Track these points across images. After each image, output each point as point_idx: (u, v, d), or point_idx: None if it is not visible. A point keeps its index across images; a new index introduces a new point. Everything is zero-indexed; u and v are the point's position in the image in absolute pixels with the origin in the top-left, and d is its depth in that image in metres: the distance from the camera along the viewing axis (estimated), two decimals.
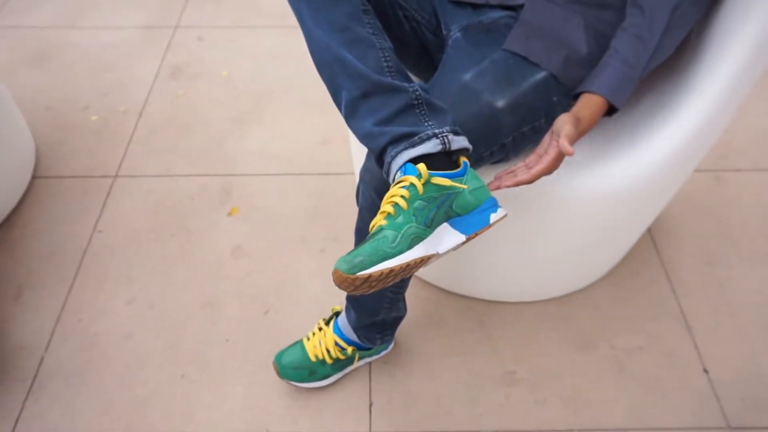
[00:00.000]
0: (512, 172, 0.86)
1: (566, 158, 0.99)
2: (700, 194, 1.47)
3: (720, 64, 0.92)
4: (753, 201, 1.45)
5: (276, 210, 1.45)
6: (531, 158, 0.85)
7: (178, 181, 1.52)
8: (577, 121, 0.85)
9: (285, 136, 1.63)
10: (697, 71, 0.96)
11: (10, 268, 1.32)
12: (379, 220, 0.76)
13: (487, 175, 0.98)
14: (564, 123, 0.83)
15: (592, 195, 0.97)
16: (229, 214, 1.44)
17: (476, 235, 0.80)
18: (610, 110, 0.89)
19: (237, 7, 2.12)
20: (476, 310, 1.25)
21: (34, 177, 1.52)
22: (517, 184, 0.83)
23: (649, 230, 1.39)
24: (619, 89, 0.87)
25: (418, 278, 1.31)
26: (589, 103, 0.87)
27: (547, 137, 0.85)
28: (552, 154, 0.82)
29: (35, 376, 1.15)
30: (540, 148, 0.85)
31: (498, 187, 0.85)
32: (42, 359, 1.18)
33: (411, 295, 1.27)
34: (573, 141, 0.82)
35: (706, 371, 1.15)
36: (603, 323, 1.22)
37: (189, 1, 2.15)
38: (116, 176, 1.53)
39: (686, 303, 1.25)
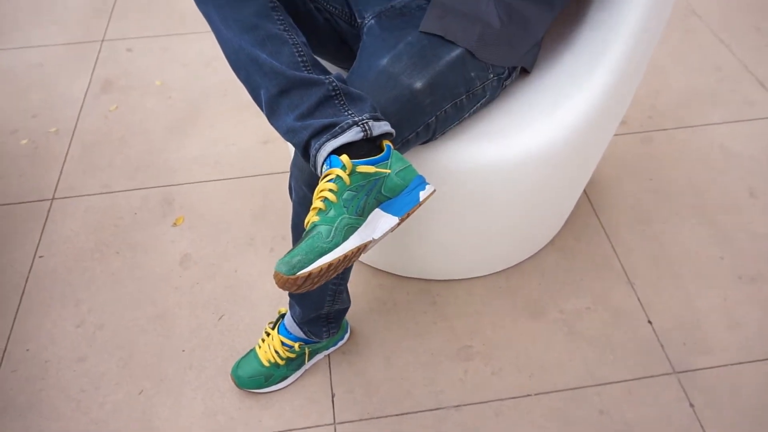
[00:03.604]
0: None
1: (487, 128, 1.02)
2: (631, 156, 1.53)
3: (619, 28, 0.96)
4: (679, 157, 1.52)
5: (221, 215, 1.44)
6: None
7: (118, 197, 1.49)
8: None
9: (224, 140, 1.62)
10: (600, 36, 1.00)
11: None
12: (311, 217, 0.77)
13: (416, 153, 0.99)
14: None
15: (516, 161, 1.01)
16: (174, 224, 1.42)
17: (408, 215, 0.82)
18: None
19: (163, 15, 2.07)
20: (429, 291, 1.27)
21: None
22: None
23: (587, 194, 1.44)
24: None
25: (369, 266, 1.32)
26: None
27: None
28: None
29: None
30: None
31: None
32: None
33: (363, 282, 1.29)
34: None
35: (650, 322, 1.20)
36: (551, 289, 1.26)
37: (113, 12, 2.10)
38: (53, 198, 1.49)
39: (627, 260, 1.31)
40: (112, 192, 1.50)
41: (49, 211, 1.46)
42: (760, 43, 1.84)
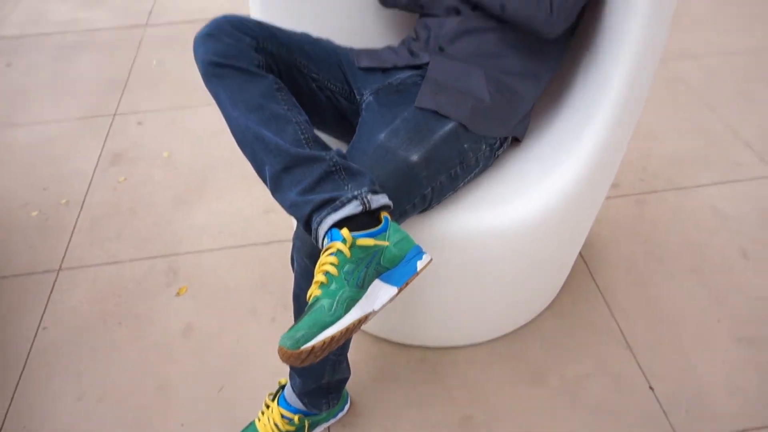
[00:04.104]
0: None
1: (481, 196, 1.05)
2: (625, 218, 1.56)
3: (603, 99, 1.01)
4: (672, 219, 1.55)
5: (224, 284, 1.46)
6: None
7: (124, 267, 1.51)
8: None
9: (228, 210, 1.66)
10: (586, 105, 1.06)
11: None
12: (314, 291, 0.79)
13: (413, 222, 1.02)
14: None
15: (510, 227, 1.03)
16: (178, 293, 1.44)
17: (407, 284, 0.84)
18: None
19: (174, 88, 2.18)
20: (429, 360, 1.27)
21: None
22: None
23: (583, 257, 1.46)
24: None
25: (369, 334, 1.33)
26: None
27: None
28: None
29: None
30: None
31: None
32: None
33: (363, 351, 1.29)
34: None
35: (651, 388, 1.19)
36: (551, 355, 1.26)
37: (126, 87, 2.20)
38: (60, 269, 1.52)
39: (625, 324, 1.31)
40: (118, 262, 1.53)
41: (55, 281, 1.49)
42: (744, 107, 1.92)
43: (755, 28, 2.31)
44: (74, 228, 1.63)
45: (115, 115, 2.07)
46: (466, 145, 0.99)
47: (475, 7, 1.04)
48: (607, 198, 1.62)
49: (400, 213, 0.94)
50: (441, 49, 1.06)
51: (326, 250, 0.80)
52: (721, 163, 1.71)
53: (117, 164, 1.85)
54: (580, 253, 1.47)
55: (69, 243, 1.59)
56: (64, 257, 1.55)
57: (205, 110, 2.06)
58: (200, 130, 1.97)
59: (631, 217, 1.56)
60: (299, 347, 0.73)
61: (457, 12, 1.05)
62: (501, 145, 1.07)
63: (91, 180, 1.79)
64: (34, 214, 1.69)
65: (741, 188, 1.63)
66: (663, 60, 2.15)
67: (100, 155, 1.89)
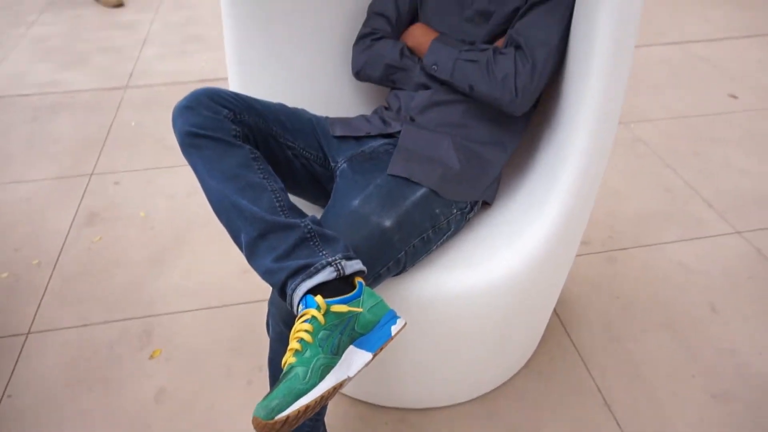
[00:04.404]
0: None
1: (454, 258, 1.08)
2: (597, 275, 1.60)
3: (565, 163, 1.06)
4: (642, 275, 1.60)
5: (199, 346, 1.44)
6: None
7: (95, 330, 1.48)
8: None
9: (204, 270, 1.66)
10: (550, 168, 1.11)
11: None
12: (288, 358, 0.80)
13: (387, 284, 1.04)
14: None
15: (483, 288, 1.05)
16: (151, 356, 1.42)
17: (381, 349, 0.85)
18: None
19: (152, 149, 2.20)
20: (408, 421, 1.26)
21: None
22: None
23: (558, 314, 1.49)
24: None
25: (346, 397, 1.31)
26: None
27: None
28: None
29: None
30: None
31: None
32: None
33: (341, 414, 1.27)
34: None
35: None
36: (530, 416, 1.26)
37: (104, 147, 2.22)
38: (28, 333, 1.48)
39: (602, 381, 1.32)
40: (89, 325, 1.50)
41: (23, 346, 1.45)
42: (701, 166, 2.02)
43: (708, 93, 2.46)
44: (45, 290, 1.61)
45: (92, 174, 2.07)
46: (437, 210, 1.03)
47: (444, 83, 1.11)
48: (579, 255, 1.66)
49: (375, 277, 0.96)
50: (412, 119, 1.11)
51: (301, 317, 0.81)
52: (684, 221, 1.78)
53: (92, 224, 1.84)
54: (554, 311, 1.50)
55: (39, 305, 1.56)
56: (33, 320, 1.52)
57: (183, 170, 2.08)
58: (177, 190, 1.98)
59: (603, 273, 1.61)
60: (273, 417, 0.73)
61: (426, 87, 1.12)
62: (472, 208, 1.11)
63: (65, 240, 1.78)
64: (4, 275, 1.66)
65: (705, 245, 1.70)
66: (624, 123, 2.26)
67: (75, 215, 1.88)
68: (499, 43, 1.11)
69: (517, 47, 1.04)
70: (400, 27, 1.21)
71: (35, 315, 1.53)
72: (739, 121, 2.25)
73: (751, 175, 1.97)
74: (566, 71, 1.10)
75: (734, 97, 2.41)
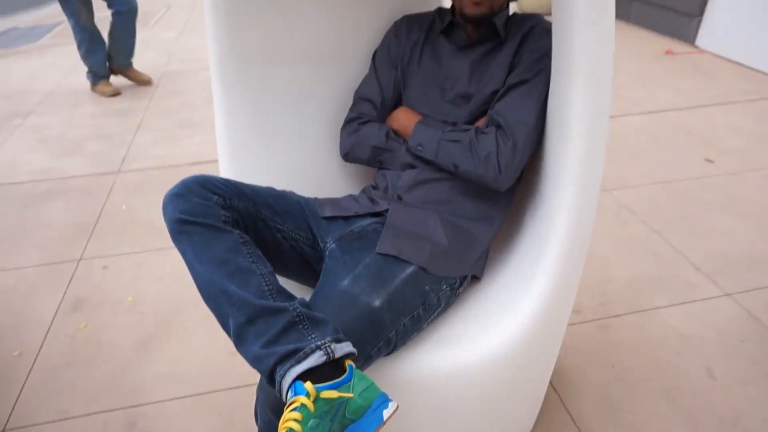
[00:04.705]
0: None
1: (445, 335, 1.06)
2: (591, 344, 1.58)
3: (551, 234, 1.08)
4: (636, 342, 1.58)
5: None
6: None
7: (76, 424, 1.42)
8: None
9: (192, 355, 1.62)
10: (537, 239, 1.12)
11: None
12: None
13: (378, 364, 1.02)
14: None
15: (475, 364, 1.04)
16: None
17: None
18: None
19: (142, 232, 2.21)
20: None
21: None
22: None
23: (554, 387, 1.45)
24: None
25: None
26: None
27: None
28: None
29: None
30: None
31: None
32: None
33: None
34: None
35: None
36: None
37: (94, 232, 2.22)
38: (3, 431, 1.42)
39: None
40: (70, 418, 1.44)
41: None
42: (687, 230, 2.05)
43: (686, 159, 2.54)
44: (25, 382, 1.55)
45: (80, 260, 2.06)
46: (427, 287, 1.03)
47: (429, 162, 1.14)
48: (572, 324, 1.65)
49: (365, 358, 0.94)
50: (399, 198, 1.14)
51: (290, 404, 0.79)
52: (674, 285, 1.79)
53: (78, 310, 1.81)
54: (551, 383, 1.47)
55: (17, 400, 1.50)
56: (9, 417, 1.45)
57: (173, 252, 2.08)
58: (167, 272, 1.97)
59: (597, 342, 1.59)
60: None
61: (413, 166, 1.15)
62: (461, 284, 1.11)
63: (50, 328, 1.74)
64: None
65: (697, 309, 1.69)
66: (608, 190, 2.32)
67: (61, 302, 1.85)
68: (480, 122, 1.16)
69: (498, 127, 1.09)
70: (385, 111, 1.27)
71: (12, 410, 1.47)
72: (718, 185, 2.32)
73: (735, 237, 2.00)
74: (546, 145, 1.14)
75: (711, 161, 2.49)
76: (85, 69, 3.51)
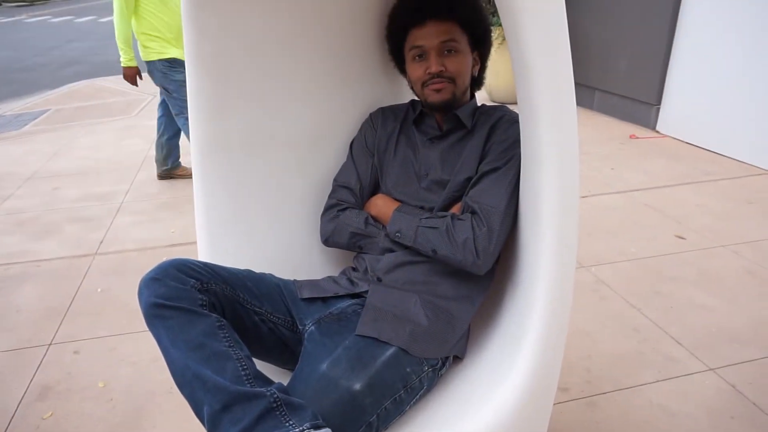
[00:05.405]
0: None
1: (428, 419, 1.03)
2: (579, 423, 1.54)
3: (531, 311, 1.08)
4: (625, 421, 1.55)
5: None
6: None
7: None
8: None
9: None
10: (518, 316, 1.12)
11: None
12: None
13: None
14: None
15: None
16: None
17: None
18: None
19: (116, 315, 2.15)
20: None
21: None
22: None
23: None
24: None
25: None
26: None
27: None
28: None
29: None
30: None
31: None
32: None
33: None
34: None
35: None
36: None
37: (66, 316, 2.16)
38: None
39: None
40: None
41: None
42: (665, 305, 2.07)
43: (657, 236, 2.62)
44: None
45: (50, 345, 1.99)
46: (408, 369, 1.01)
47: (408, 247, 1.17)
48: (558, 403, 1.62)
49: None
50: (379, 279, 1.14)
51: None
52: (657, 360, 1.78)
53: (44, 399, 1.72)
54: None
55: None
56: None
57: (147, 335, 2.01)
58: (140, 357, 1.90)
59: (585, 421, 1.55)
60: None
61: (392, 251, 1.17)
62: (443, 364, 1.09)
63: (11, 419, 1.64)
64: None
65: (682, 384, 1.68)
66: (585, 267, 2.35)
67: (26, 390, 1.76)
68: (456, 208, 1.19)
69: (473, 213, 1.12)
70: (363, 197, 1.31)
71: None
72: (691, 260, 2.37)
73: (711, 311, 2.02)
74: (521, 225, 1.18)
75: (682, 238, 2.56)
76: (168, 165, 3.48)
